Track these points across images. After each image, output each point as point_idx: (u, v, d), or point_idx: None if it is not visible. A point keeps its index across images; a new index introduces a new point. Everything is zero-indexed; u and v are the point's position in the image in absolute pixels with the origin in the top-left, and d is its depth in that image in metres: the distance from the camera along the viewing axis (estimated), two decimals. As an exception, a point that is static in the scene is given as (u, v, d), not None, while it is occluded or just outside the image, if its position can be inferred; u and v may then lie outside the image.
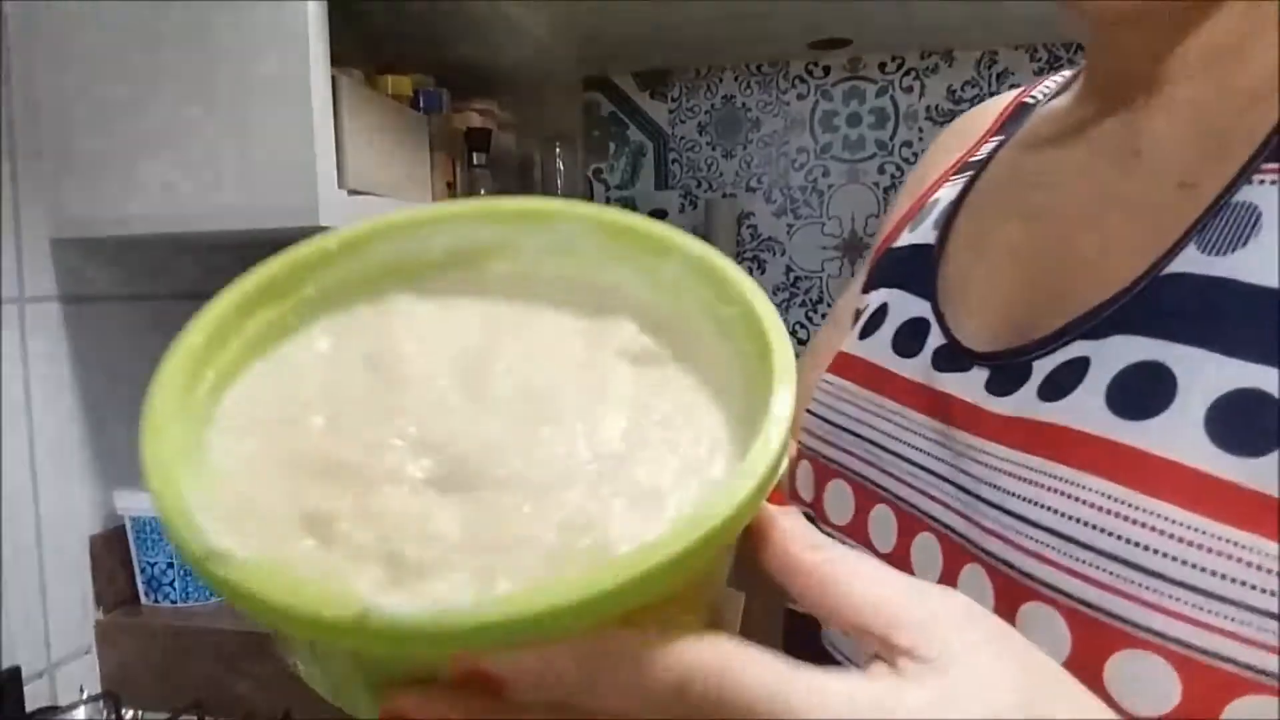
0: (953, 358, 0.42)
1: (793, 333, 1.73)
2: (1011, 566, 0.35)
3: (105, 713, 0.81)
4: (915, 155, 1.66)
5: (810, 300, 1.72)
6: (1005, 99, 0.54)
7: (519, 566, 0.22)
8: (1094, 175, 0.40)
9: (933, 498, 0.40)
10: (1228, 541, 0.29)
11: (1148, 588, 0.30)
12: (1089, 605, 0.32)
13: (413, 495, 0.24)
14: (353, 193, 0.83)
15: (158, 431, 0.24)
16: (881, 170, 1.68)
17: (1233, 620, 0.29)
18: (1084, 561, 0.32)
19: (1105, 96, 0.41)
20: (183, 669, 0.88)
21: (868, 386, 0.47)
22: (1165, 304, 0.34)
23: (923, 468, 0.41)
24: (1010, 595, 0.35)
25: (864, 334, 0.49)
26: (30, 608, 0.85)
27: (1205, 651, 0.29)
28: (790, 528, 0.24)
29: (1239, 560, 0.29)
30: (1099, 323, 0.36)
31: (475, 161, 1.22)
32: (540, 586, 0.19)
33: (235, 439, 0.26)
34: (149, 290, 1.00)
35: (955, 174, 0.51)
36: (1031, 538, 0.34)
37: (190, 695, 0.87)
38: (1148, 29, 0.38)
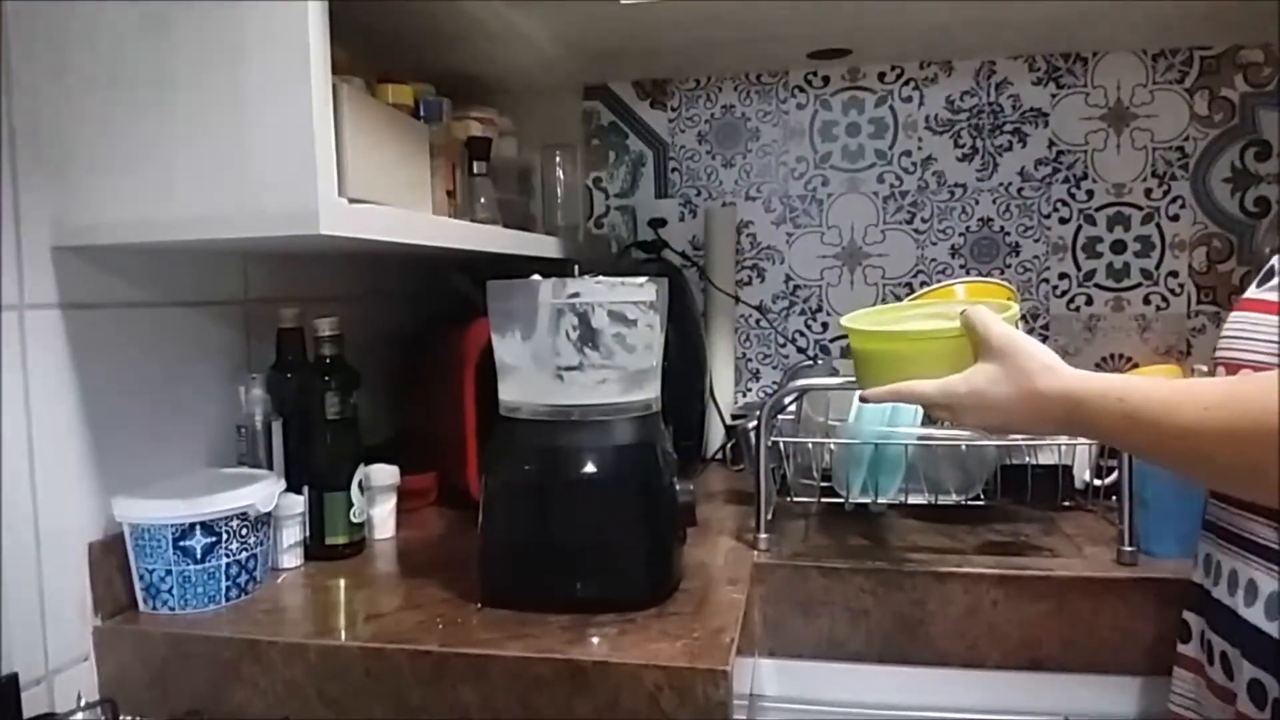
0: None
1: (791, 340, 1.73)
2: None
3: (103, 720, 0.80)
4: (914, 164, 1.67)
5: (809, 309, 1.73)
6: None
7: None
8: None
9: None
10: None
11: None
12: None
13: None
14: (353, 201, 0.83)
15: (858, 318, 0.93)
16: (881, 180, 1.68)
17: None
18: None
19: None
20: (181, 676, 0.88)
21: (1258, 312, 0.77)
22: None
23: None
24: None
25: (1260, 284, 0.79)
26: (28, 614, 0.85)
27: None
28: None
29: None
30: None
31: (476, 170, 1.22)
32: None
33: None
34: (150, 298, 1.00)
35: None
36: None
37: (188, 702, 0.87)
38: None
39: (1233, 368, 0.78)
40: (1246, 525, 0.77)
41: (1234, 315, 0.81)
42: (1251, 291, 0.80)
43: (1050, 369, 0.72)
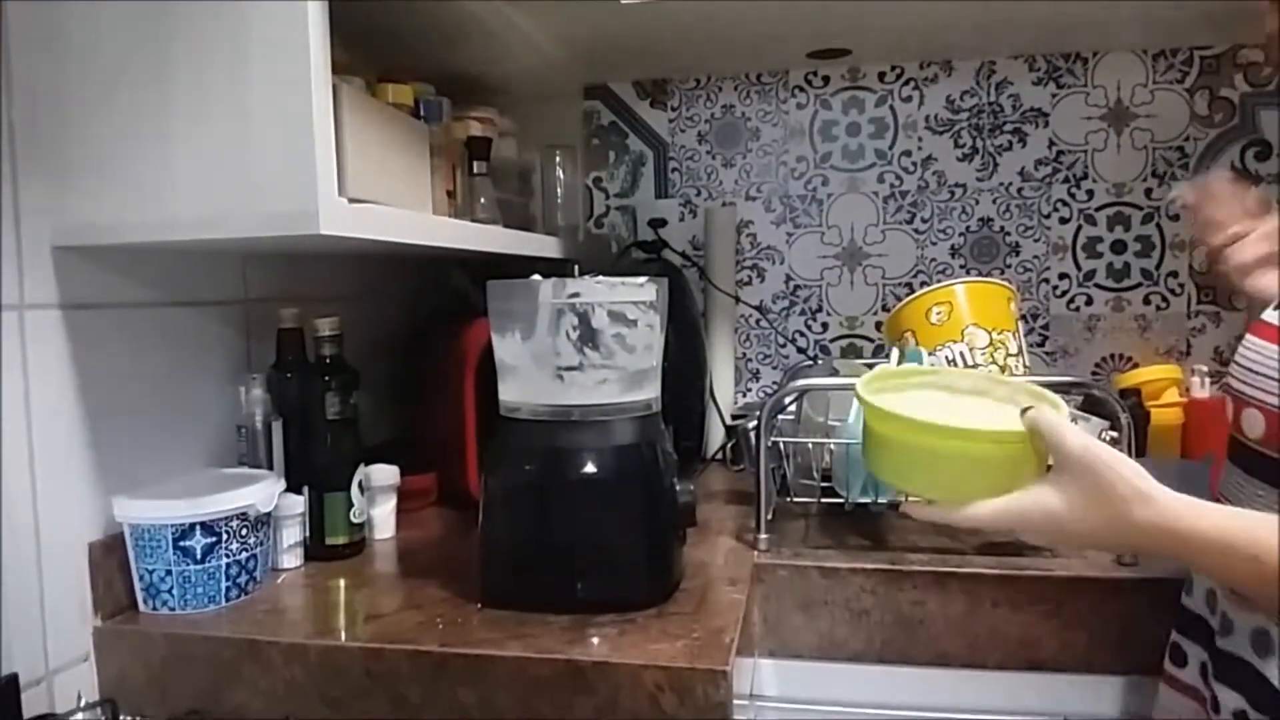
0: None
1: (791, 340, 1.73)
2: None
3: (103, 720, 0.80)
4: (914, 164, 1.67)
5: (810, 309, 1.73)
6: None
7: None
8: None
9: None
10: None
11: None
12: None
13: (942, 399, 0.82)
14: (353, 201, 0.83)
15: (868, 383, 0.79)
16: (881, 179, 1.68)
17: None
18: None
19: None
20: (181, 676, 0.88)
21: (1274, 342, 0.73)
22: None
23: None
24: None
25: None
26: (28, 615, 0.85)
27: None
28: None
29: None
30: None
31: (475, 170, 1.22)
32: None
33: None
34: (150, 298, 1.00)
35: None
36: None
37: (188, 703, 0.87)
38: None
39: (1243, 404, 0.75)
40: None
41: (1249, 340, 0.76)
42: (1272, 314, 0.76)
43: (1144, 496, 0.64)
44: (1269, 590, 0.61)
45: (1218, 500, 0.75)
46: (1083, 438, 0.67)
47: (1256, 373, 0.73)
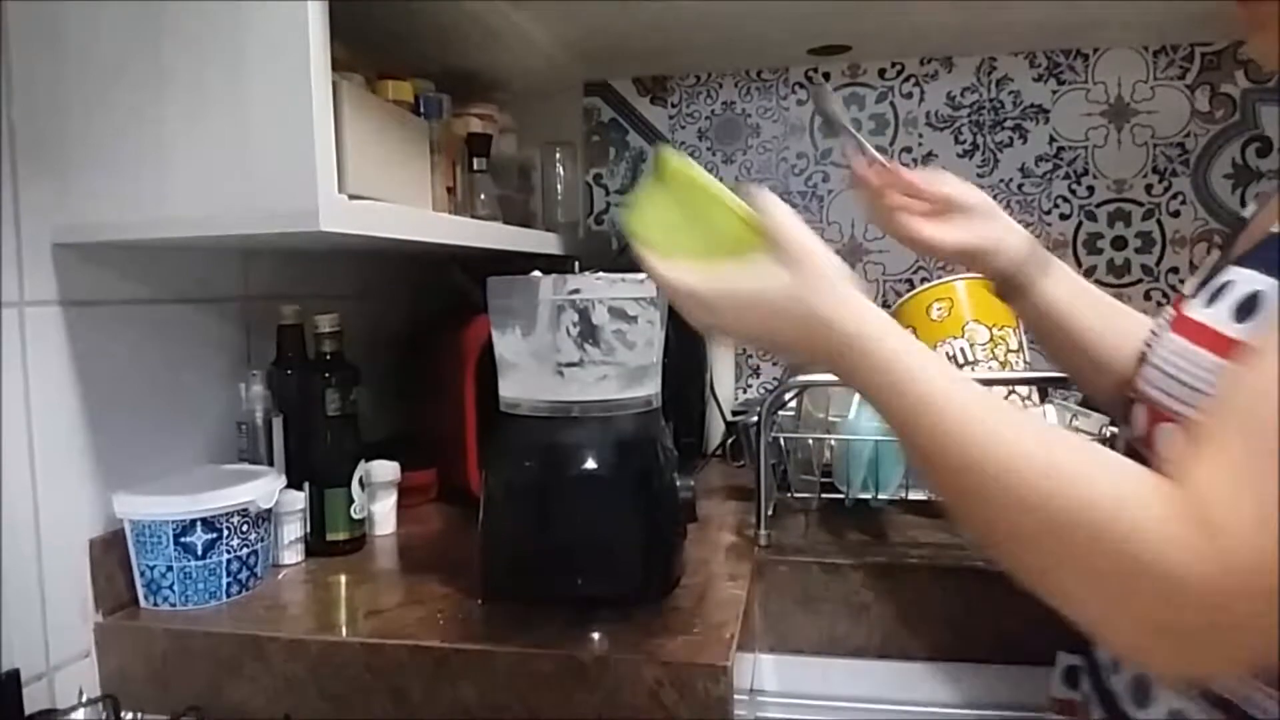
0: None
1: (792, 337, 1.73)
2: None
3: (104, 716, 0.81)
4: (915, 161, 1.67)
5: (810, 305, 1.72)
6: None
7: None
8: None
9: None
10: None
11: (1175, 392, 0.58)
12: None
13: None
14: (353, 197, 0.83)
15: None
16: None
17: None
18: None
19: None
20: (182, 672, 0.88)
21: (1206, 347, 0.58)
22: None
23: None
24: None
25: (1212, 300, 0.59)
26: (29, 611, 0.85)
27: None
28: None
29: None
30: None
31: (476, 166, 1.22)
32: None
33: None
34: (150, 295, 1.00)
35: None
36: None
37: (189, 699, 0.87)
38: None
39: (1159, 414, 0.60)
40: None
41: (1173, 339, 0.61)
42: (1199, 309, 0.60)
43: (842, 298, 0.65)
44: (927, 463, 0.57)
45: None
46: (797, 221, 0.65)
47: (1193, 387, 0.58)
